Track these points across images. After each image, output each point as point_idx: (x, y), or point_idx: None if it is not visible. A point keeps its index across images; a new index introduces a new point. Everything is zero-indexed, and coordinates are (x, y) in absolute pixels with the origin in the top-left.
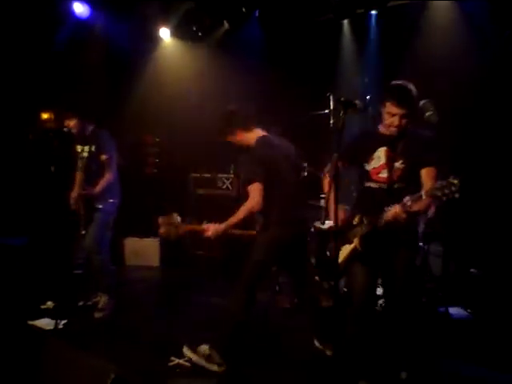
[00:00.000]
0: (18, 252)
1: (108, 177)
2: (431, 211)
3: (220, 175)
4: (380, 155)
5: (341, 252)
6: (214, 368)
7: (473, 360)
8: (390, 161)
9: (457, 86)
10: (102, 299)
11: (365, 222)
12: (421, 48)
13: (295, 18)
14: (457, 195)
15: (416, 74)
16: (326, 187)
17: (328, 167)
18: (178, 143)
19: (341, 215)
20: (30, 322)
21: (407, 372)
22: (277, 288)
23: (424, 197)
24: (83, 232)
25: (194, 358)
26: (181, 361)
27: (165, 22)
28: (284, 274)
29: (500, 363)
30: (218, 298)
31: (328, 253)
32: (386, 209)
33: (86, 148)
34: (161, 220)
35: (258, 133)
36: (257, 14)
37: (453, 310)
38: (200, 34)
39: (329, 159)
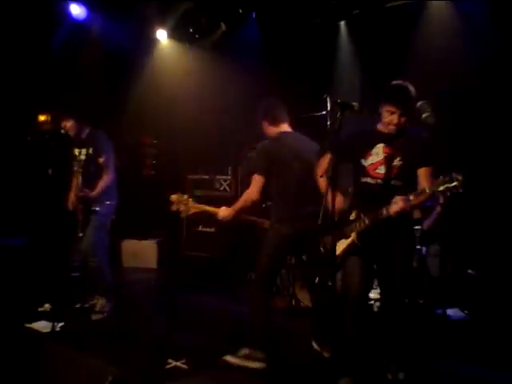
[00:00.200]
0: (14, 254)
1: (105, 179)
2: (437, 211)
3: (218, 177)
4: (378, 152)
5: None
6: (257, 365)
7: (470, 360)
8: (388, 157)
9: (455, 87)
10: (100, 301)
11: (364, 218)
12: (418, 49)
13: (292, 20)
14: (460, 190)
15: (414, 75)
16: (323, 188)
17: (325, 168)
18: (176, 145)
19: (338, 203)
20: (27, 325)
21: (405, 372)
22: (274, 289)
23: (427, 191)
24: (80, 234)
25: (237, 361)
26: (178, 363)
27: (162, 24)
28: (281, 275)
29: (498, 363)
30: (215, 299)
31: (322, 248)
32: (386, 204)
33: (84, 151)
34: (173, 197)
35: (282, 129)
36: (254, 16)
37: (450, 311)
38: (197, 35)
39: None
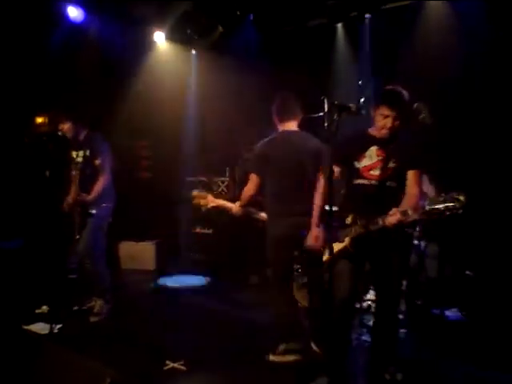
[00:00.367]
0: (11, 256)
1: (102, 181)
2: None
3: (215, 179)
4: (371, 154)
5: (327, 250)
6: (295, 357)
7: (468, 361)
8: (382, 159)
9: (452, 88)
10: (97, 303)
11: (359, 225)
12: (415, 50)
13: (289, 22)
14: (460, 211)
15: (411, 76)
16: (320, 188)
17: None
18: (173, 146)
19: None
20: (25, 327)
21: (403, 373)
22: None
23: (427, 208)
24: (77, 237)
25: (278, 358)
26: (176, 364)
27: (160, 26)
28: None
29: (496, 364)
30: (213, 300)
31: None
32: (380, 205)
33: (81, 153)
34: (195, 192)
35: (286, 127)
36: (251, 18)
37: (448, 312)
38: (195, 37)
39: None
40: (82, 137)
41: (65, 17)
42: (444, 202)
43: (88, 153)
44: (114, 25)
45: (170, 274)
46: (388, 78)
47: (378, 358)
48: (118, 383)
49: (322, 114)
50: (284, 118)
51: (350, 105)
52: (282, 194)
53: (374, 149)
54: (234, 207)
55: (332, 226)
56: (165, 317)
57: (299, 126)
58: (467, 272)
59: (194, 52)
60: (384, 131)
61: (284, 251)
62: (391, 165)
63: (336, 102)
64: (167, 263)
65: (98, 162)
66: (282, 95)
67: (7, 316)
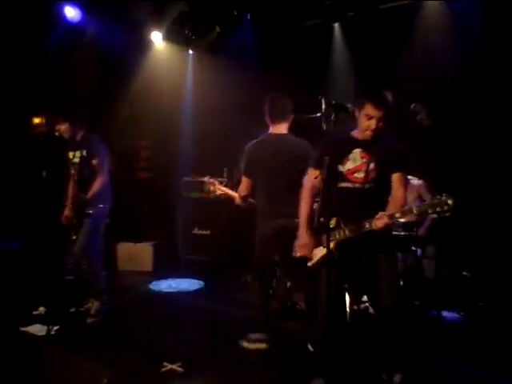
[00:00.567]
0: (8, 257)
1: (99, 181)
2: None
3: (213, 179)
4: (355, 157)
5: (312, 255)
6: (263, 346)
7: (466, 362)
8: (366, 162)
9: (449, 88)
10: (94, 305)
11: (344, 229)
12: (412, 50)
13: (287, 21)
14: (448, 214)
15: (408, 77)
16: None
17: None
18: (171, 147)
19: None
20: (22, 328)
21: (401, 374)
22: (270, 291)
23: (415, 211)
24: (74, 237)
25: (249, 345)
26: (173, 366)
27: (157, 26)
28: (277, 278)
29: (493, 365)
30: (211, 301)
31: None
32: (364, 209)
33: (78, 153)
34: (206, 179)
35: (274, 129)
36: (248, 17)
37: (445, 313)
38: (192, 37)
39: None
40: (78, 137)
41: (62, 17)
42: (432, 206)
43: (85, 153)
44: (111, 25)
45: (164, 277)
46: (385, 77)
47: (375, 358)
48: None
49: (319, 113)
50: (274, 120)
51: (348, 105)
52: (271, 196)
53: (357, 151)
54: (237, 197)
55: (321, 232)
56: (162, 318)
57: (291, 126)
58: (464, 273)
59: (191, 52)
60: (368, 133)
61: (268, 251)
62: (373, 167)
63: (333, 102)
64: (165, 264)
65: (95, 162)
66: (271, 96)
67: (4, 317)
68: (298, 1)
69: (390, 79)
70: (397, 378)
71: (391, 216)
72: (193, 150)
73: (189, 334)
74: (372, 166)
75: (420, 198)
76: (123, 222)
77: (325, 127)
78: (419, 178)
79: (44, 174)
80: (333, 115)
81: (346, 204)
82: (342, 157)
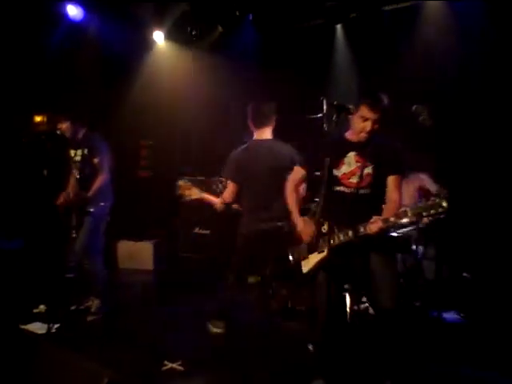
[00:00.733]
0: (9, 256)
1: (100, 180)
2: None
3: (213, 178)
4: (350, 161)
5: (307, 261)
6: (219, 331)
7: (466, 363)
8: (360, 166)
9: (450, 88)
10: (95, 303)
11: (338, 234)
12: (414, 51)
13: (289, 22)
14: (442, 216)
15: (409, 78)
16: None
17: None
18: (172, 146)
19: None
20: (23, 326)
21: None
22: (270, 292)
23: (409, 214)
24: (74, 235)
25: (210, 328)
26: (174, 365)
27: (159, 25)
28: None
29: (494, 366)
30: (212, 300)
31: (291, 257)
32: (359, 213)
33: (79, 152)
34: (180, 182)
35: (258, 134)
36: (251, 18)
37: (446, 314)
38: (194, 37)
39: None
40: (80, 136)
41: (64, 15)
42: (427, 208)
43: (86, 152)
44: (113, 24)
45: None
46: (387, 78)
47: (376, 359)
48: (116, 383)
49: (320, 114)
50: (257, 125)
51: (349, 106)
52: (256, 201)
53: (352, 155)
54: (218, 203)
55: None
56: (163, 317)
57: (274, 131)
58: (464, 274)
59: (193, 52)
60: (363, 135)
61: (249, 253)
62: (369, 171)
63: (335, 103)
64: (165, 263)
65: (96, 160)
66: (254, 103)
67: (5, 315)
68: (300, 1)
69: (391, 80)
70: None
71: (386, 220)
72: (194, 149)
73: (189, 333)
74: (367, 170)
75: (421, 189)
76: (124, 221)
77: (326, 128)
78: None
79: (45, 172)
80: (334, 116)
81: (341, 208)
82: (337, 160)
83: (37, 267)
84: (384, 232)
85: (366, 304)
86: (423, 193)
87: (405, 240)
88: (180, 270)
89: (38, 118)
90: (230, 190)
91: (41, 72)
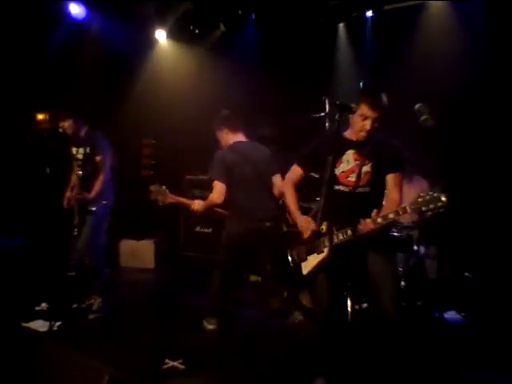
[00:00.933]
0: (11, 253)
1: (102, 178)
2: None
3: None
4: (348, 159)
5: (306, 262)
6: (212, 328)
7: (467, 363)
8: (359, 164)
9: (452, 89)
10: (97, 301)
11: (336, 233)
12: (416, 50)
13: (291, 21)
14: (442, 210)
15: (411, 77)
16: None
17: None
18: (174, 145)
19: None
20: (24, 324)
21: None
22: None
23: (408, 210)
24: (75, 233)
25: (204, 325)
26: (175, 363)
27: (161, 24)
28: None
29: (495, 366)
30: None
31: (290, 259)
32: (358, 213)
33: (81, 150)
34: (152, 187)
35: (238, 137)
36: (253, 17)
37: (447, 314)
38: (196, 36)
39: None
40: (82, 134)
41: (67, 14)
42: (426, 203)
43: (88, 150)
44: (115, 22)
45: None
46: (389, 77)
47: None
48: (117, 381)
49: (323, 113)
50: (236, 129)
51: (352, 105)
52: (248, 200)
53: (350, 153)
54: (195, 205)
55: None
56: (164, 315)
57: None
58: (466, 274)
59: (195, 51)
60: (363, 134)
61: (235, 253)
62: (367, 169)
63: (337, 102)
64: (167, 262)
65: (98, 158)
66: (229, 111)
67: (7, 313)
68: (302, 1)
69: (392, 80)
70: None
71: (385, 217)
72: (196, 147)
73: (190, 332)
74: (365, 168)
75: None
76: (125, 219)
77: (328, 127)
78: (422, 177)
79: (48, 170)
80: (337, 115)
81: (339, 207)
82: (335, 159)
83: (39, 265)
84: (384, 230)
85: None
86: None
87: (406, 239)
88: (181, 268)
89: (40, 116)
90: (218, 190)
91: (43, 70)
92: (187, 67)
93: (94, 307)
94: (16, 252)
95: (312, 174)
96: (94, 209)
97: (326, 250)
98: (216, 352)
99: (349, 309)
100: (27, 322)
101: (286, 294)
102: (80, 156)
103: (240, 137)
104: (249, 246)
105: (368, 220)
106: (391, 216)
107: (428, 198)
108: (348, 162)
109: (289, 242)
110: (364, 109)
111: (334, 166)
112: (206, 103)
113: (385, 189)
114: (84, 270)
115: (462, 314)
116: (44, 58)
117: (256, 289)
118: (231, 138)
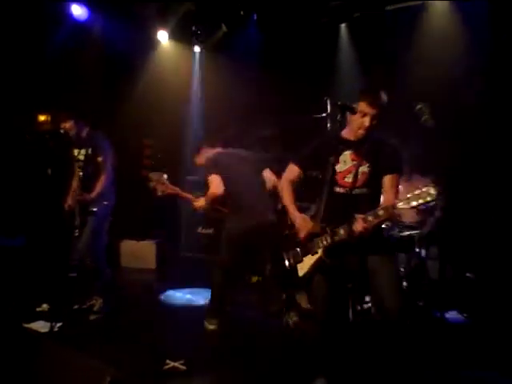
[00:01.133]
0: (12, 254)
1: (103, 179)
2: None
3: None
4: (346, 159)
5: (302, 264)
6: (213, 327)
7: (468, 363)
8: (356, 165)
9: (454, 89)
10: (98, 302)
11: (330, 233)
12: (418, 50)
13: (293, 21)
14: (432, 203)
15: (413, 77)
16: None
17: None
18: (175, 146)
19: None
20: (25, 325)
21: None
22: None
23: (398, 206)
24: (76, 234)
25: (208, 326)
26: (176, 364)
27: (163, 25)
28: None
29: (496, 366)
30: None
31: (287, 262)
32: (353, 220)
33: (83, 151)
34: (151, 175)
35: (217, 150)
36: (255, 17)
37: (449, 314)
38: (198, 36)
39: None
40: (84, 135)
41: (69, 15)
42: (416, 198)
43: (90, 151)
44: (117, 23)
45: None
46: (391, 77)
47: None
48: (118, 382)
49: (324, 114)
50: (213, 144)
51: (354, 105)
52: (246, 198)
53: (347, 153)
54: (201, 201)
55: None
56: (165, 316)
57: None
58: (468, 274)
59: (197, 51)
60: (361, 131)
61: (237, 249)
62: (364, 169)
63: (339, 103)
64: (168, 262)
65: (100, 159)
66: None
67: (8, 314)
68: (304, 1)
69: (395, 80)
70: None
71: (375, 215)
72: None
73: (191, 333)
74: (362, 169)
75: None
76: (127, 220)
77: (330, 128)
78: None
79: (49, 171)
80: (339, 116)
81: (336, 208)
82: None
83: (40, 266)
84: (379, 229)
85: (369, 304)
86: None
87: (408, 240)
88: (183, 269)
89: (41, 118)
90: (215, 182)
91: (45, 71)
92: (189, 68)
93: (95, 308)
94: (16, 252)
95: (310, 172)
96: (95, 209)
97: (319, 251)
98: (217, 353)
99: (350, 309)
100: (28, 322)
101: (284, 295)
102: (81, 157)
103: (220, 150)
104: (250, 245)
105: (359, 218)
106: (381, 213)
107: (417, 192)
108: (345, 162)
109: (287, 245)
110: (363, 105)
111: (334, 167)
112: (207, 104)
113: (381, 189)
114: (85, 270)
115: (464, 315)
116: (45, 59)
117: (257, 289)
118: (209, 151)
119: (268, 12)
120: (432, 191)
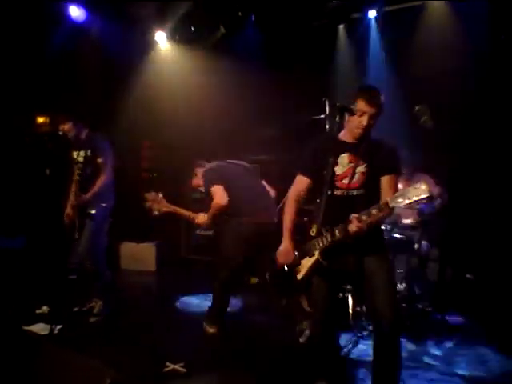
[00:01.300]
0: (12, 256)
1: (102, 180)
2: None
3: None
4: (343, 161)
5: (300, 267)
6: (212, 330)
7: (468, 363)
8: (353, 166)
9: (453, 89)
10: (98, 304)
11: (326, 234)
12: (417, 51)
13: (291, 22)
14: (425, 200)
15: (412, 78)
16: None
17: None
18: (175, 147)
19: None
20: (25, 327)
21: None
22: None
23: (390, 204)
24: (76, 236)
25: (209, 330)
26: (176, 366)
27: (161, 26)
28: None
29: (496, 366)
30: None
31: (285, 266)
32: (348, 220)
33: (82, 153)
34: (147, 195)
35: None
36: (253, 18)
37: (449, 316)
38: (196, 37)
39: None
40: (83, 136)
41: (66, 16)
42: (406, 195)
43: (89, 152)
44: (115, 25)
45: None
46: (390, 78)
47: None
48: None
49: (323, 115)
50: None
51: (352, 106)
52: (247, 198)
53: (345, 155)
54: (201, 217)
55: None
56: (165, 318)
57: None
58: (468, 275)
59: (195, 52)
60: (358, 131)
61: (249, 250)
62: (362, 170)
63: (338, 104)
64: (168, 264)
65: (100, 160)
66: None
67: (8, 316)
68: (302, 2)
69: (394, 80)
70: None
71: (369, 213)
72: (197, 150)
73: (191, 335)
74: (360, 169)
75: None
76: (126, 222)
77: (329, 129)
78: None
79: (47, 172)
80: (337, 117)
81: (333, 210)
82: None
83: (39, 268)
84: (374, 229)
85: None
86: None
87: (406, 241)
88: (182, 271)
89: (40, 119)
90: (219, 192)
91: (43, 72)
92: (187, 69)
93: (95, 310)
94: (16, 254)
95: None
96: (93, 212)
97: (316, 253)
98: (217, 355)
99: (350, 310)
100: (28, 325)
101: (284, 300)
102: (81, 159)
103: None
104: (253, 244)
105: (354, 218)
106: (374, 212)
107: (409, 189)
108: (343, 165)
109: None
110: (361, 104)
111: (333, 168)
112: (206, 105)
113: (379, 190)
114: (85, 272)
115: (464, 316)
116: (44, 61)
117: (257, 291)
118: (208, 165)
119: (266, 13)
120: (423, 186)
